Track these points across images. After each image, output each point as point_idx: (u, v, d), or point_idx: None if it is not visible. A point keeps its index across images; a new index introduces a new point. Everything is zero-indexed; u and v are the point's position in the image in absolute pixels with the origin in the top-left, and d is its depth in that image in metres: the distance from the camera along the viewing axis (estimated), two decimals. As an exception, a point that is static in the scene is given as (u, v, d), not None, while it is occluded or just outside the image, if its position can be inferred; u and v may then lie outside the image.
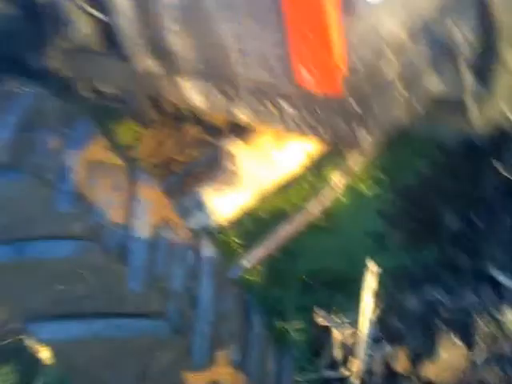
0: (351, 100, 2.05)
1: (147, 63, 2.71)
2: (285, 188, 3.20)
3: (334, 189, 3.12)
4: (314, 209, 3.17)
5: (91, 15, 2.85)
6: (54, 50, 3.31)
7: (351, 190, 3.42)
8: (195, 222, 2.62)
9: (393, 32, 2.03)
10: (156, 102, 3.04)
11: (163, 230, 2.27)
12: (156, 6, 2.38)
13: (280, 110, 2.31)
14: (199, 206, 2.66)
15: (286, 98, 2.24)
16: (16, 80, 2.74)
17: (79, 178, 2.13)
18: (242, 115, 2.52)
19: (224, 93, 2.49)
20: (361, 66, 2.00)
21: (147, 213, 2.25)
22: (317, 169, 3.30)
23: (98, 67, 3.19)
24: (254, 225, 3.40)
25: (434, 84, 2.32)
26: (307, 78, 2.04)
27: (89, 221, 2.10)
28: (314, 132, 2.29)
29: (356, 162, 2.97)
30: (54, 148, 2.15)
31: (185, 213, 2.57)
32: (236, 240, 3.39)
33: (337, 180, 3.05)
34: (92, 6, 2.82)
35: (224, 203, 2.73)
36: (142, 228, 2.22)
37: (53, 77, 3.68)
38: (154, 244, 2.22)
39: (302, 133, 2.34)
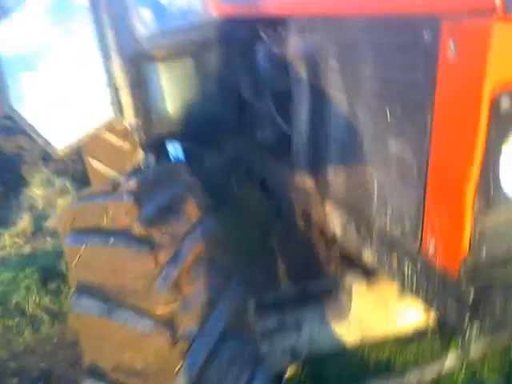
0: (470, 288, 1.96)
1: (306, 179, 2.89)
2: (398, 343, 3.08)
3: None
4: (428, 373, 3.02)
5: (278, 123, 3.15)
6: (245, 140, 3.70)
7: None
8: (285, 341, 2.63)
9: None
10: (305, 216, 3.19)
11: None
12: (323, 138, 2.58)
13: (402, 267, 2.29)
14: (298, 325, 2.67)
15: (411, 258, 2.21)
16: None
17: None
18: (369, 258, 2.53)
19: (359, 230, 2.54)
20: (490, 259, 1.93)
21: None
22: (438, 333, 3.13)
23: (269, 167, 3.47)
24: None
25: None
26: (432, 248, 2.02)
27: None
28: (428, 302, 2.23)
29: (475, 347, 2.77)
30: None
31: (278, 328, 2.61)
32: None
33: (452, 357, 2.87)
34: (280, 115, 3.12)
35: (326, 333, 2.71)
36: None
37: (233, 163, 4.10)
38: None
39: (417, 297, 2.28)
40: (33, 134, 3.87)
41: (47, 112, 3.87)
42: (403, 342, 3.19)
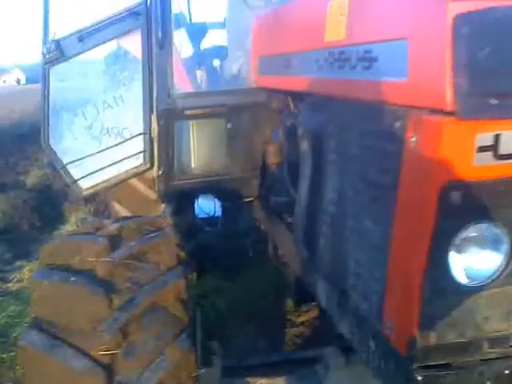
0: (419, 371, 1.99)
1: (302, 249, 3.02)
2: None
3: None
4: None
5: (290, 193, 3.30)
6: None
7: None
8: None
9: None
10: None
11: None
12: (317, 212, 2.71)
13: (367, 344, 2.33)
14: None
15: (374, 336, 2.26)
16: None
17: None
18: (344, 330, 2.59)
19: (339, 303, 2.62)
20: (440, 344, 1.96)
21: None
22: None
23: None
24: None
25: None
26: (389, 328, 2.07)
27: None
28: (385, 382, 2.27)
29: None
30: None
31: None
32: None
33: None
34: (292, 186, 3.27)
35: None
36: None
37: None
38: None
39: (378, 375, 2.32)
40: (61, 171, 4.16)
41: (80, 152, 4.17)
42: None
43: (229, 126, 3.81)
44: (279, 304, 4.63)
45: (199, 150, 3.85)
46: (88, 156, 4.21)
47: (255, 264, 4.85)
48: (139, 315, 1.99)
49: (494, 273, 1.87)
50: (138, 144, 4.24)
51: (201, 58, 5.09)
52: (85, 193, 4.20)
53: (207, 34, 5.59)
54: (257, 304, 4.69)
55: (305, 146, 2.83)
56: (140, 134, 4.20)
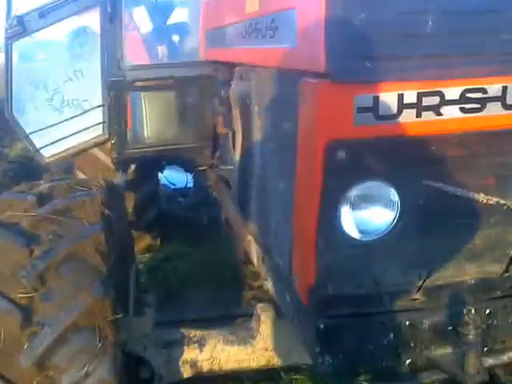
0: (319, 321, 2.11)
1: (237, 214, 3.18)
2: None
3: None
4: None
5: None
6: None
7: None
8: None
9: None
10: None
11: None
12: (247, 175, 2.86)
13: (283, 297, 2.49)
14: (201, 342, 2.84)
15: (288, 289, 2.40)
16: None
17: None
18: (269, 286, 2.76)
19: (264, 262, 2.79)
20: (338, 295, 2.12)
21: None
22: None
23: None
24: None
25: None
26: (296, 282, 2.23)
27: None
28: (298, 333, 2.43)
29: None
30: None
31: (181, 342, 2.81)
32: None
33: None
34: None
35: (228, 353, 2.88)
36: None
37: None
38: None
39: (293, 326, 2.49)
40: (25, 140, 4.32)
41: (42, 123, 4.32)
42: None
43: (179, 97, 3.95)
44: (239, 269, 4.79)
45: (152, 121, 4.00)
46: (49, 127, 4.35)
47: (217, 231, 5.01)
48: (57, 263, 2.18)
49: (385, 228, 2.00)
50: (98, 115, 4.39)
51: (162, 34, 5.20)
52: (47, 161, 4.35)
53: (175, 12, 5.69)
54: (217, 268, 4.86)
55: (236, 113, 2.98)
56: (99, 106, 4.33)
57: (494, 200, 1.92)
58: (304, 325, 2.28)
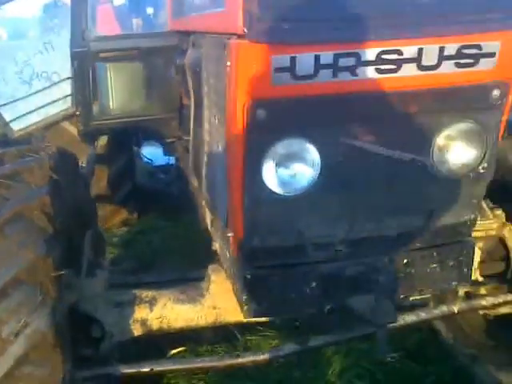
0: (247, 271, 2.26)
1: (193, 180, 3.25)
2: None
3: None
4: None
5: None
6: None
7: None
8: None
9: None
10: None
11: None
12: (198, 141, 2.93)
13: (225, 252, 2.58)
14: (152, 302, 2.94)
15: (226, 244, 2.51)
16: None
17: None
18: (216, 247, 2.87)
19: (213, 224, 2.89)
20: (264, 248, 2.23)
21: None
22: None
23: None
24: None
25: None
26: (230, 235, 2.33)
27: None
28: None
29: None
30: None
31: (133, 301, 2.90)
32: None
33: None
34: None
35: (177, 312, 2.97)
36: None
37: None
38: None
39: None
40: (-6, 114, 4.38)
41: (12, 96, 4.39)
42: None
43: (145, 68, 4.00)
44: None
45: (118, 92, 4.05)
46: (19, 99, 4.41)
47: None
48: (2, 224, 2.25)
49: (307, 184, 2.09)
50: (68, 88, 4.45)
51: (136, 6, 5.24)
52: (16, 134, 4.42)
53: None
54: (191, 241, 4.94)
55: (189, 82, 3.04)
56: (68, 78, 4.39)
57: (409, 157, 2.01)
58: (236, 276, 2.40)
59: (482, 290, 3.12)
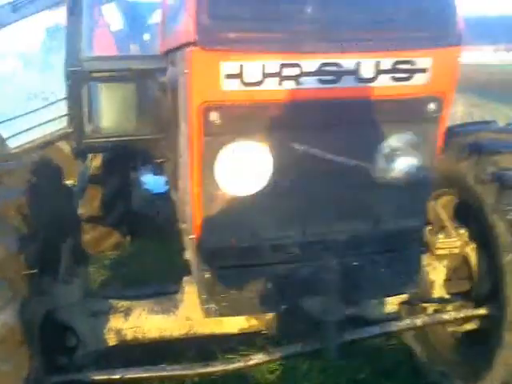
0: (204, 270, 2.39)
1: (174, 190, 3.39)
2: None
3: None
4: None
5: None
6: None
7: None
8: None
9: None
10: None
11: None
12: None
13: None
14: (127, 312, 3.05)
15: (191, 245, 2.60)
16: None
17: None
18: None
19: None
20: (220, 246, 2.38)
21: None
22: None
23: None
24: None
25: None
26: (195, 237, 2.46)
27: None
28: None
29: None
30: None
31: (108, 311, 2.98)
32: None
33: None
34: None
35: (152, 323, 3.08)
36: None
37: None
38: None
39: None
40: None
41: (9, 115, 4.60)
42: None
43: (137, 89, 4.19)
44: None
45: (109, 111, 4.24)
46: (16, 118, 4.63)
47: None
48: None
49: (258, 185, 2.23)
50: (64, 107, 4.65)
51: (133, 32, 5.50)
52: (12, 152, 4.61)
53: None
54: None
55: (170, 99, 3.22)
56: (64, 99, 4.59)
57: (352, 163, 2.16)
58: (202, 268, 2.47)
59: (449, 308, 3.18)
